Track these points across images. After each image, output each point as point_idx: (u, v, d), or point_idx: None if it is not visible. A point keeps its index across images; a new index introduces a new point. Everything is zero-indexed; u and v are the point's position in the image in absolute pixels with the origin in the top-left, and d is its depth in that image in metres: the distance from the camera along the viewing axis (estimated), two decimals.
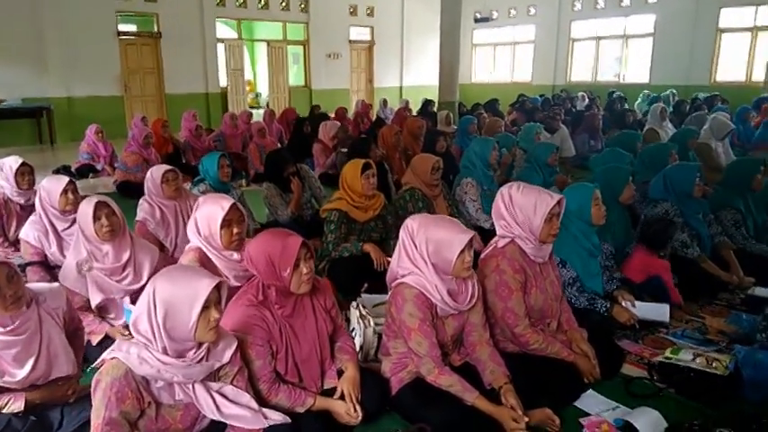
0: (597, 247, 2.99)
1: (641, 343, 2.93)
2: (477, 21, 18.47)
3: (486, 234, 4.12)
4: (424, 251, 2.19)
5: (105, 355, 1.75)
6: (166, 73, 13.47)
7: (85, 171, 7.77)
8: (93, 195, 2.81)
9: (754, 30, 13.35)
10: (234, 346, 1.87)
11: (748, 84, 13.33)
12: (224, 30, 15.55)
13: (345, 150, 6.52)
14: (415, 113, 10.72)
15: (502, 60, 19.01)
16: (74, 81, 11.80)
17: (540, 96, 13.46)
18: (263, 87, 18.94)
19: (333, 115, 10.18)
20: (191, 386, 1.78)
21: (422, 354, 2.16)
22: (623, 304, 2.95)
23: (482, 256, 2.55)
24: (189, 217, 3.64)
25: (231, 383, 1.87)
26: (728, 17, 13.61)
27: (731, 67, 13.83)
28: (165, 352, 1.71)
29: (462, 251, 2.14)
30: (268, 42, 15.90)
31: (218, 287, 1.75)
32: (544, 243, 2.46)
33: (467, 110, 11.20)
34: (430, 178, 4.16)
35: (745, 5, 13.29)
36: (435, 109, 11.13)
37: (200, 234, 2.53)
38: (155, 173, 3.69)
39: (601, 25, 16.03)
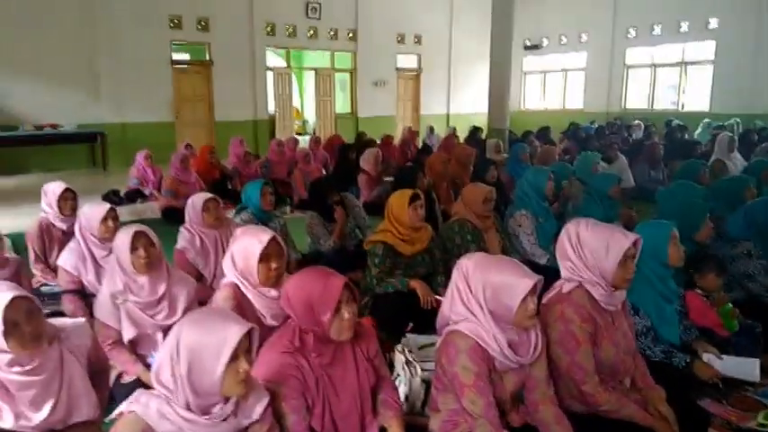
0: (674, 293, 2.67)
1: (725, 404, 2.57)
2: (526, 48, 18.25)
3: (541, 271, 3.83)
4: (481, 296, 1.94)
5: (123, 406, 1.57)
6: (216, 100, 13.76)
7: (134, 196, 7.86)
8: (131, 225, 2.69)
9: None
10: (265, 402, 1.66)
11: None
12: (273, 58, 15.82)
13: (390, 179, 6.36)
14: (462, 141, 10.51)
15: (552, 88, 18.65)
16: (127, 108, 12.15)
17: (592, 124, 13.01)
18: (310, 114, 19.14)
19: (379, 142, 10.08)
20: None
21: (476, 414, 1.89)
22: (705, 358, 2.61)
23: (544, 301, 2.27)
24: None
25: None
26: None
27: None
28: (187, 407, 1.51)
29: (525, 298, 1.88)
30: (316, 70, 16.08)
31: (248, 334, 1.55)
32: (617, 289, 2.17)
33: (517, 138, 10.91)
34: (482, 209, 3.91)
35: None
36: (484, 136, 10.88)
37: (236, 269, 2.36)
38: (196, 201, 3.59)
39: (657, 52, 15.52)
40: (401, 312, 3.35)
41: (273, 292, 2.32)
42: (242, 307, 2.31)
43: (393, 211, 3.55)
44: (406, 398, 2.43)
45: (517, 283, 1.89)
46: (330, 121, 16.17)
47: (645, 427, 2.11)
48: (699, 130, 11.91)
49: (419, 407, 2.40)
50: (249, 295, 2.33)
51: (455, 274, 2.05)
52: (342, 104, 16.66)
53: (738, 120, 11.84)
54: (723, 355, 2.62)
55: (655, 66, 15.72)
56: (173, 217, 6.31)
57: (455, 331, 1.98)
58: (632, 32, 15.81)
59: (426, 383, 2.39)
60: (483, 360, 1.93)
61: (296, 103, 18.83)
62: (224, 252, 3.50)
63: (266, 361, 1.83)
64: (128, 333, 2.56)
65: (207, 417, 1.53)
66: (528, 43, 18.15)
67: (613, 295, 2.18)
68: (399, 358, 2.58)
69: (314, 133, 14.81)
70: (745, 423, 2.36)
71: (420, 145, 11.76)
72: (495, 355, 1.94)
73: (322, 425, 1.85)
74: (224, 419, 1.56)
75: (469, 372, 1.91)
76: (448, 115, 18.35)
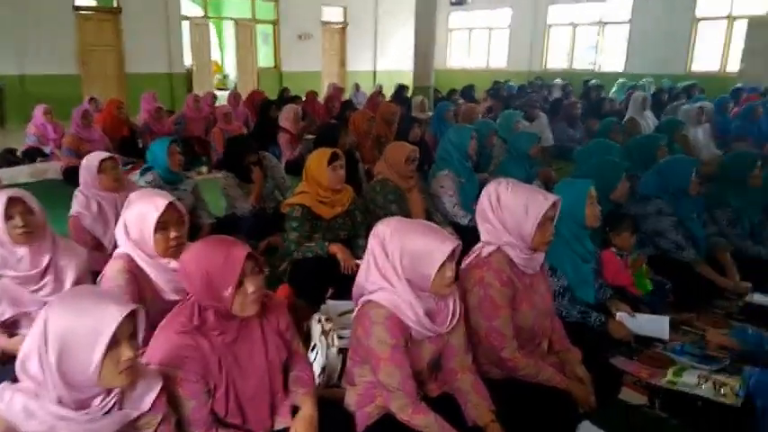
0: (591, 252, 2.68)
1: (636, 360, 2.63)
2: (452, 4, 18.07)
3: (464, 231, 3.80)
4: (398, 263, 1.83)
5: None
6: (127, 51, 12.81)
7: (33, 155, 7.19)
8: (5, 190, 2.37)
9: (730, 18, 13.26)
10: (156, 389, 1.49)
11: (723, 74, 13.27)
12: (189, 6, 14.83)
13: (312, 137, 6.12)
14: (388, 99, 10.33)
15: (477, 45, 18.66)
16: (27, 58, 11.07)
17: (504, 83, 13.02)
18: (230, 68, 18.25)
19: (303, 99, 9.74)
20: None
21: (393, 387, 1.80)
22: (618, 317, 2.65)
23: (464, 265, 2.20)
24: None
25: None
26: (705, 5, 13.48)
27: (706, 56, 13.75)
28: (60, 402, 1.32)
29: (443, 265, 1.79)
30: (236, 21, 15.24)
31: (133, 316, 1.36)
32: (536, 251, 2.13)
33: (442, 96, 10.83)
34: (404, 169, 3.79)
35: None
36: (409, 94, 10.75)
37: (129, 238, 2.12)
38: (91, 161, 3.25)
39: (578, 11, 15.78)
40: (321, 278, 3.22)
41: (174, 264, 2.11)
42: (138, 280, 2.10)
43: (312, 172, 3.37)
44: (323, 369, 2.32)
45: (435, 250, 1.79)
46: (252, 75, 15.47)
47: (562, 390, 2.11)
48: (614, 89, 12.30)
49: (336, 379, 2.30)
50: (146, 267, 2.11)
51: (371, 241, 1.93)
52: (265, 58, 15.94)
53: (651, 79, 12.32)
54: (635, 314, 2.68)
55: (574, 25, 16.01)
56: (76, 178, 5.81)
57: (370, 301, 1.87)
58: None
59: (344, 353, 2.28)
60: (399, 331, 1.83)
61: (215, 55, 17.89)
62: None
63: (161, 342, 1.65)
64: (4, 313, 2.26)
65: (85, 412, 1.34)
66: None
67: (532, 258, 2.13)
68: (316, 328, 2.46)
69: (234, 88, 14.14)
70: (655, 380, 2.42)
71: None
72: (412, 324, 1.84)
73: (226, 408, 1.70)
74: (106, 413, 1.37)
75: (385, 344, 1.81)
76: (375, 72, 18.03)
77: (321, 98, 10.70)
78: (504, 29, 17.43)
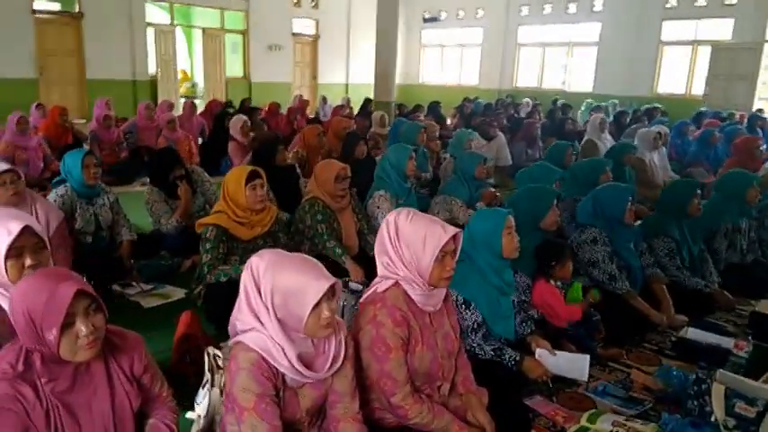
0: (510, 285, 2.51)
1: (555, 401, 2.46)
2: (425, 21, 18.10)
3: None
4: (269, 302, 1.64)
5: None
6: (89, 56, 12.52)
7: None
8: None
9: (695, 43, 13.47)
10: None
11: (688, 97, 13.45)
12: (156, 13, 14.57)
13: None
14: (357, 112, 10.20)
15: (450, 62, 18.69)
16: None
17: (474, 99, 12.97)
18: (200, 77, 17.98)
19: (265, 110, 9.56)
20: None
21: None
22: (537, 354, 2.48)
23: (362, 299, 2.02)
24: None
25: None
26: (670, 30, 13.68)
27: (672, 79, 13.93)
28: None
29: (318, 304, 1.60)
30: (203, 30, 15.01)
31: None
32: (436, 288, 1.95)
33: (408, 111, 10.71)
34: (334, 188, 3.60)
35: (686, 19, 13.39)
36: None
37: None
38: None
39: (547, 31, 15.89)
40: (234, 303, 3.00)
41: None
42: None
43: (229, 191, 3.16)
44: (208, 410, 2.10)
45: (309, 287, 1.60)
46: (220, 84, 15.24)
47: None
48: (582, 109, 12.35)
49: (219, 422, 2.08)
50: None
51: (244, 276, 1.74)
52: (234, 67, 15.72)
53: (616, 101, 12.38)
54: (556, 351, 2.51)
55: (544, 45, 16.11)
56: None
57: (239, 343, 1.68)
58: (524, 10, 16.07)
59: None
60: (268, 378, 1.63)
61: (185, 63, 17.62)
62: None
63: None
64: None
65: None
66: (427, 15, 17.99)
67: (432, 295, 1.95)
68: (207, 362, 2.24)
69: (203, 97, 13.89)
70: (569, 424, 2.25)
71: (313, 115, 11.31)
72: (284, 370, 1.65)
73: None
74: None
75: (250, 393, 1.61)
76: (347, 84, 17.90)
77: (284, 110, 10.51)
78: (476, 46, 17.48)
